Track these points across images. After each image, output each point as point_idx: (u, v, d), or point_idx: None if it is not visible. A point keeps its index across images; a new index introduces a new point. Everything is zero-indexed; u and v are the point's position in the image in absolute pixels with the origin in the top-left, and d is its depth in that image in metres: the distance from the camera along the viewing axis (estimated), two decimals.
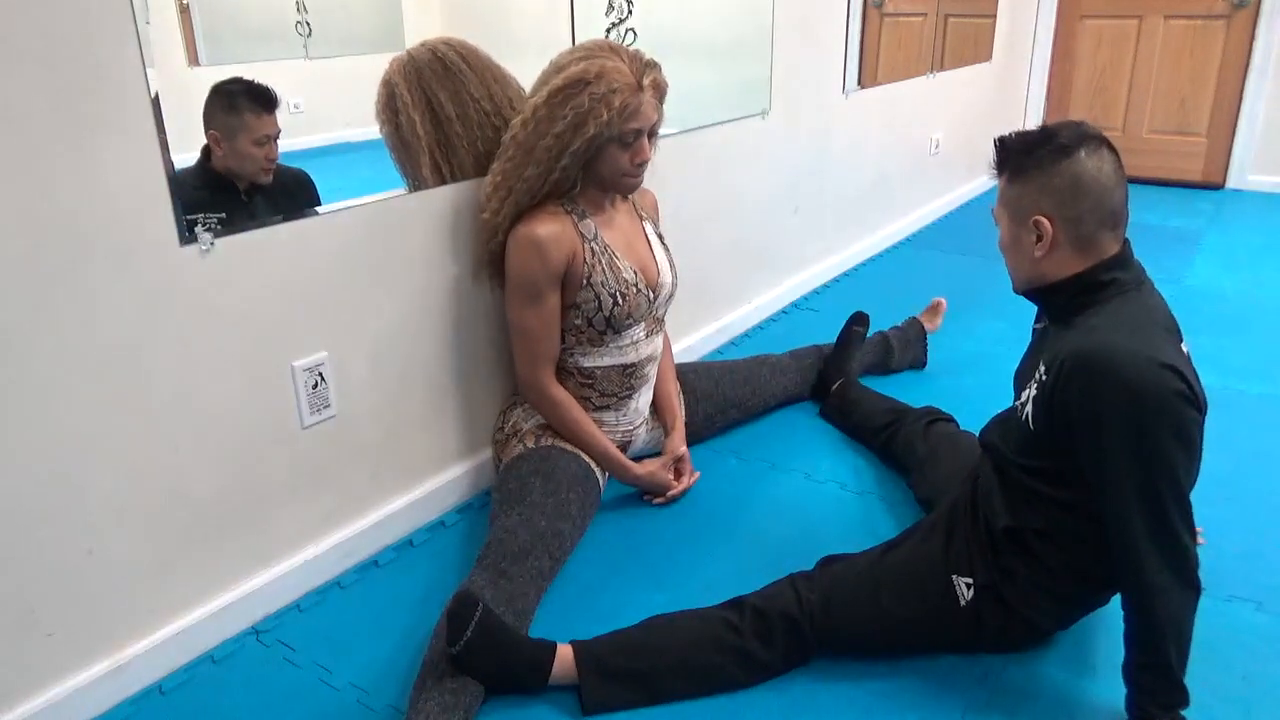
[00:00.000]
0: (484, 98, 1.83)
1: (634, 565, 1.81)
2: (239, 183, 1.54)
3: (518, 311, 1.82)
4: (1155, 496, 1.25)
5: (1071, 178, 1.32)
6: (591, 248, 1.80)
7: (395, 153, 1.79)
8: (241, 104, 1.50)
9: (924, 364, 2.66)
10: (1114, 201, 1.33)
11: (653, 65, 1.75)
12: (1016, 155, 1.36)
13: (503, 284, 1.85)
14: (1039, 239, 1.35)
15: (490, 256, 1.84)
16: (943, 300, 2.72)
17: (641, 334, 1.92)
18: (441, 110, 1.80)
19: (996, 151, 1.40)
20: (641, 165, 1.78)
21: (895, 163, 3.81)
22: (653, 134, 1.78)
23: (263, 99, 1.52)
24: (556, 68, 1.73)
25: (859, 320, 2.52)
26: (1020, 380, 1.50)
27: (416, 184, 1.81)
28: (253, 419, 1.59)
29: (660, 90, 1.76)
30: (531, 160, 1.73)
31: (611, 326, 1.84)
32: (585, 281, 1.79)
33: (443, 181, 1.84)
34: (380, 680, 1.53)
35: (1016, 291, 1.47)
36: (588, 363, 1.89)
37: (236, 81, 1.50)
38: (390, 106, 1.76)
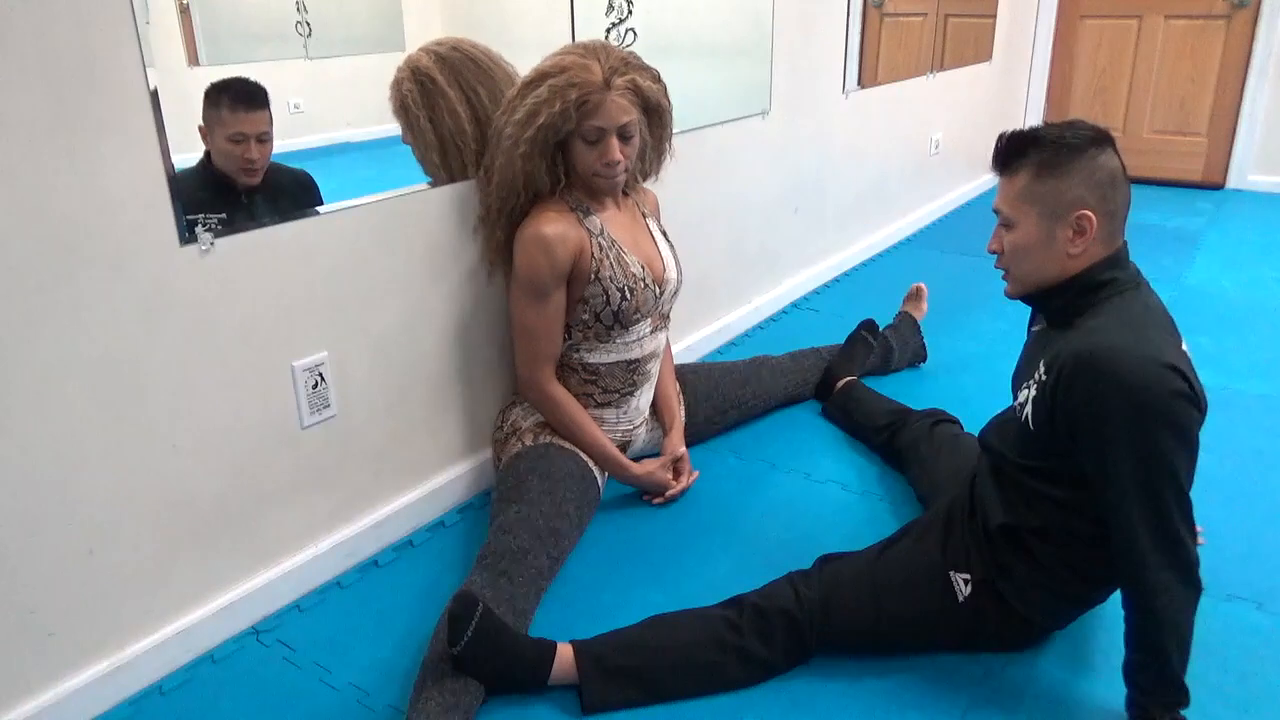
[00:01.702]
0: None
1: (633, 565, 1.81)
2: (236, 183, 1.54)
3: (521, 309, 1.82)
4: (1156, 496, 1.25)
5: (1110, 171, 1.32)
6: (599, 242, 1.80)
7: (426, 150, 1.80)
8: (222, 99, 1.48)
9: (924, 355, 2.66)
10: (1129, 194, 1.36)
11: (633, 68, 1.74)
12: (1052, 149, 1.32)
13: (507, 273, 1.86)
14: (1078, 234, 1.33)
15: (496, 243, 1.85)
16: (922, 285, 2.74)
17: (647, 330, 1.92)
18: (480, 106, 1.81)
19: (1020, 146, 1.35)
20: (610, 165, 1.75)
21: (895, 163, 3.81)
22: (627, 136, 1.76)
23: (241, 96, 1.50)
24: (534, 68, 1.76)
25: (869, 328, 2.53)
26: (1018, 381, 1.50)
27: (452, 177, 1.82)
28: (253, 419, 1.60)
29: (639, 92, 1.74)
30: (499, 150, 1.75)
31: (619, 321, 1.84)
32: (593, 276, 1.80)
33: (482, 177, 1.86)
34: (380, 680, 1.53)
35: (1014, 295, 1.45)
36: (593, 358, 1.89)
37: (232, 79, 1.49)
38: (427, 103, 1.76)
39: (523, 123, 1.70)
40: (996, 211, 1.40)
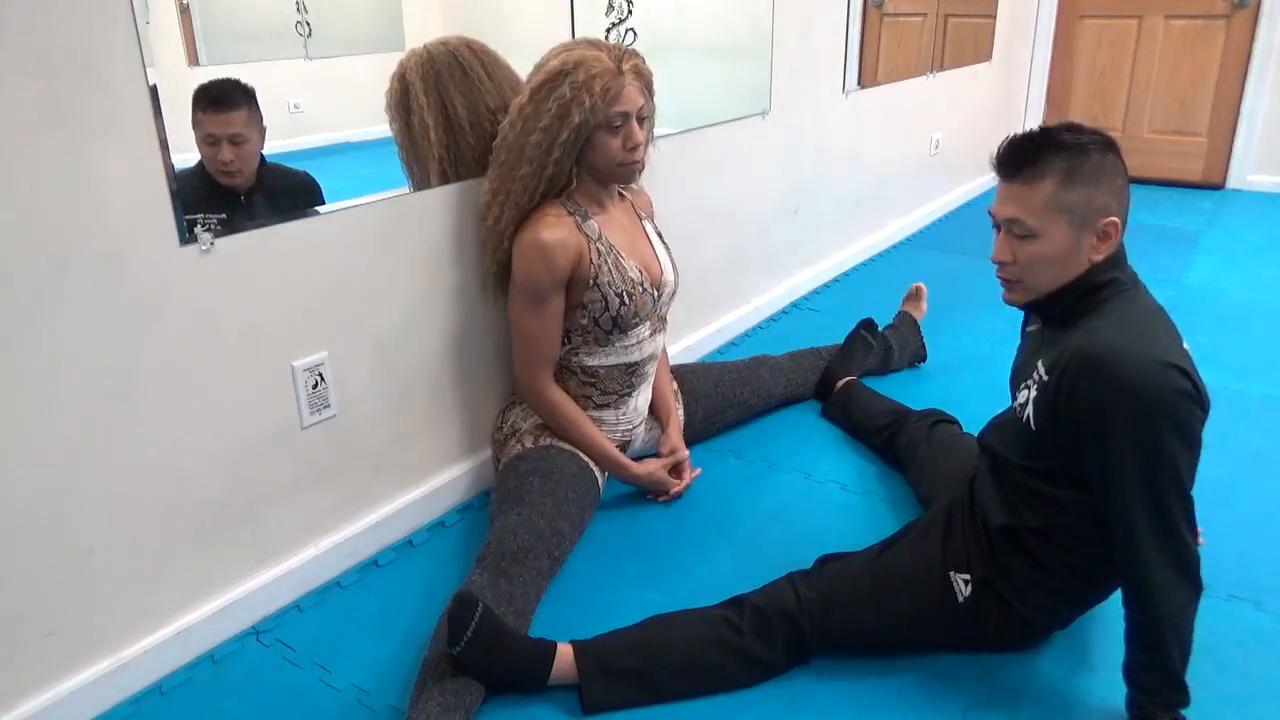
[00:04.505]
0: (499, 108, 1.83)
1: (633, 564, 1.81)
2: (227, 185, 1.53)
3: (519, 314, 1.82)
4: (1159, 495, 1.25)
5: (1125, 177, 1.32)
6: (597, 248, 1.80)
7: (403, 150, 1.79)
8: (199, 101, 1.46)
9: (924, 356, 2.66)
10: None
11: (633, 53, 1.75)
12: (1078, 155, 1.29)
13: (507, 294, 1.85)
14: (1102, 240, 1.32)
15: (498, 266, 1.84)
16: (922, 285, 2.74)
17: (646, 333, 1.92)
18: (455, 116, 1.80)
19: (1039, 152, 1.30)
20: (635, 149, 1.76)
21: (895, 163, 3.81)
22: (642, 120, 1.77)
23: (213, 97, 1.47)
24: (537, 67, 1.75)
25: (868, 327, 2.53)
26: (1016, 382, 1.50)
27: (420, 184, 1.81)
28: (252, 419, 1.60)
29: (643, 76, 1.76)
30: (524, 159, 1.73)
31: (618, 326, 1.84)
32: (592, 282, 1.79)
33: (447, 184, 1.84)
34: (380, 680, 1.53)
35: (1021, 303, 1.41)
36: (592, 361, 1.89)
37: (212, 80, 1.48)
38: (404, 105, 1.76)
39: (553, 127, 1.70)
40: (1010, 220, 1.33)
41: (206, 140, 1.48)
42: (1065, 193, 1.29)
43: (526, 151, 1.73)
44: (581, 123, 1.69)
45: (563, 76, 1.68)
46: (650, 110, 1.80)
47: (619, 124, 1.73)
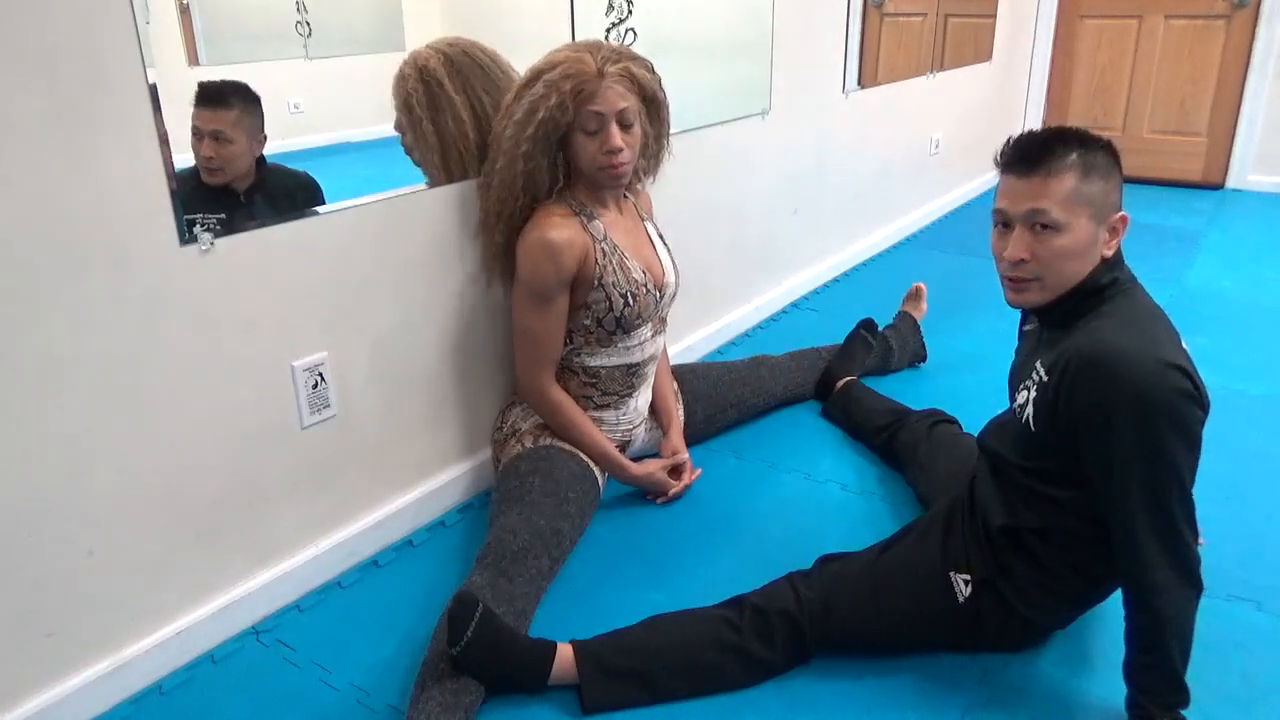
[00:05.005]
0: None
1: (633, 564, 1.81)
2: (236, 184, 1.54)
3: (523, 313, 1.82)
4: (1160, 495, 1.25)
5: (1122, 179, 1.33)
6: (603, 248, 1.80)
7: (424, 151, 1.79)
8: (196, 96, 1.46)
9: (924, 356, 2.66)
10: None
11: (626, 57, 1.74)
12: (1093, 150, 1.30)
13: (505, 280, 1.86)
14: (1112, 235, 1.33)
15: (491, 260, 1.86)
16: (922, 285, 2.74)
17: (648, 334, 1.92)
18: (483, 113, 1.82)
19: (1057, 146, 1.29)
20: (612, 153, 1.73)
21: (895, 163, 3.81)
22: (627, 124, 1.75)
23: (203, 93, 1.47)
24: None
25: (868, 327, 2.53)
26: (1015, 382, 1.50)
27: (444, 180, 1.82)
28: (252, 419, 1.60)
29: (629, 79, 1.73)
30: (501, 152, 1.75)
31: (621, 327, 1.84)
32: (597, 282, 1.79)
33: (474, 178, 1.86)
34: (380, 680, 1.53)
35: (1036, 304, 1.37)
36: (594, 362, 1.89)
37: (222, 79, 1.49)
38: (433, 104, 1.76)
39: (523, 122, 1.71)
40: (1032, 213, 1.30)
41: (193, 133, 1.48)
42: (1086, 185, 1.30)
43: (503, 145, 1.75)
44: (545, 119, 1.69)
45: (539, 75, 1.70)
46: (638, 114, 1.76)
47: (594, 126, 1.72)
